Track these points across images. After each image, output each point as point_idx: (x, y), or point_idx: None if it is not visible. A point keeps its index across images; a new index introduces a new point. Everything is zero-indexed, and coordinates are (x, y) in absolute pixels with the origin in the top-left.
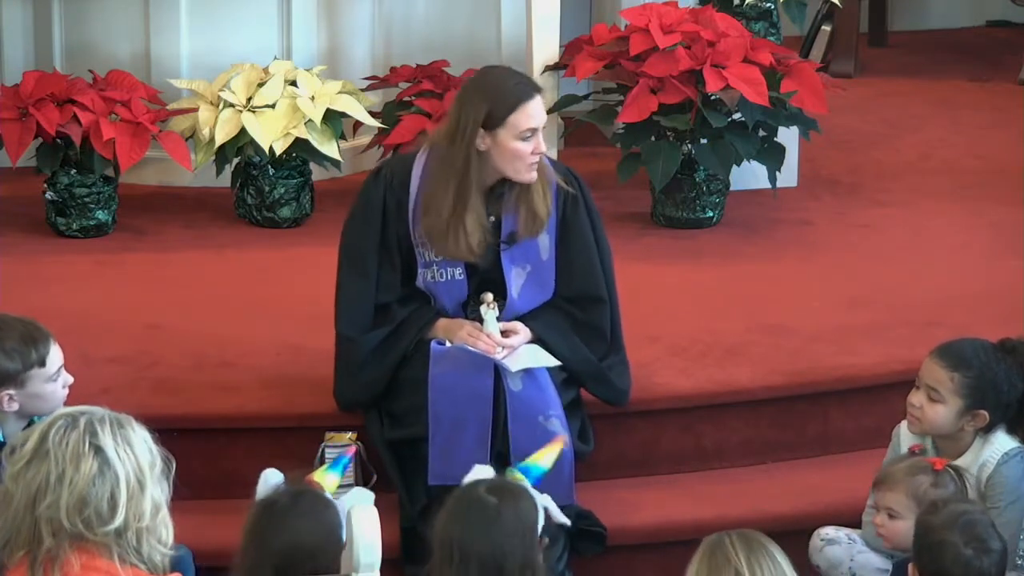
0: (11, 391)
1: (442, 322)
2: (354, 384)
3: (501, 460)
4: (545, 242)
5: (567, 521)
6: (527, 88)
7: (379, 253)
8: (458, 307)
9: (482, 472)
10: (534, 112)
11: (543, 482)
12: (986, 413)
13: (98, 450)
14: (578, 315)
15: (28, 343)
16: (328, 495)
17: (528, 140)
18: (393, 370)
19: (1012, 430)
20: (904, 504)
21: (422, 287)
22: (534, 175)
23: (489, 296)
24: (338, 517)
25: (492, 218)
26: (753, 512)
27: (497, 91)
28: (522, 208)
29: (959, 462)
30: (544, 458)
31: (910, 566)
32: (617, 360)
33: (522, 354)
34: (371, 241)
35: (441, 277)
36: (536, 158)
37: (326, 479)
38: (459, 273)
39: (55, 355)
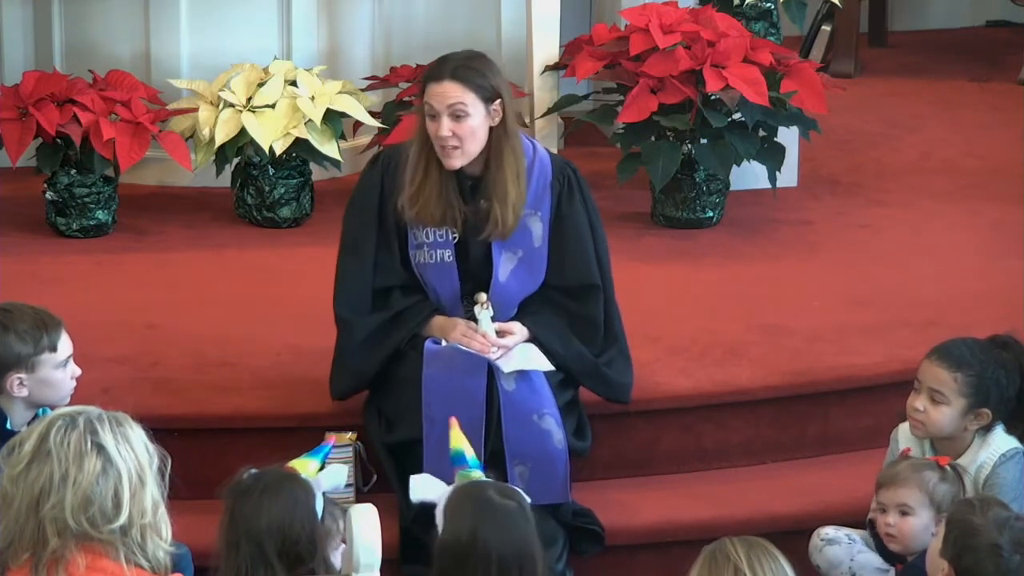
0: (21, 375)
1: (437, 320)
2: (344, 369)
3: (495, 459)
4: (538, 230)
5: (527, 500)
6: (446, 71)
7: (377, 236)
8: (454, 297)
9: (427, 482)
10: (435, 93)
11: (541, 483)
12: (989, 411)
13: (100, 448)
14: (572, 307)
15: (40, 328)
16: (304, 476)
17: (433, 119)
18: (385, 361)
19: (1010, 427)
20: (917, 499)
21: (416, 273)
22: (450, 162)
23: (483, 296)
24: (304, 492)
25: (484, 202)
26: (753, 512)
27: (431, 66)
28: (492, 207)
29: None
30: (466, 447)
31: (943, 562)
32: (615, 353)
33: (515, 355)
34: (369, 224)
35: (431, 259)
36: (442, 144)
37: (307, 465)
38: (448, 255)
39: (65, 342)
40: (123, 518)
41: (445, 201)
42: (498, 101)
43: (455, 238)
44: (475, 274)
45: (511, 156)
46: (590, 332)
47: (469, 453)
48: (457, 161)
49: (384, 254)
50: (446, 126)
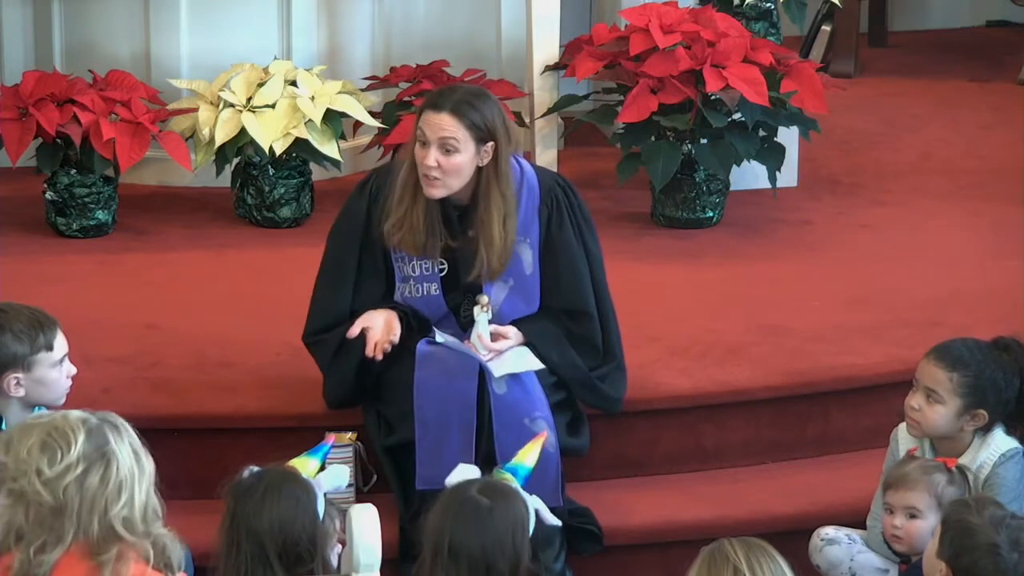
0: (18, 374)
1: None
2: (328, 379)
3: (489, 463)
4: (528, 257)
5: (558, 523)
6: (446, 103)
7: (359, 264)
8: (444, 320)
9: (466, 471)
10: (431, 121)
11: (531, 484)
12: (985, 412)
13: (140, 449)
14: (570, 326)
15: (36, 327)
16: (305, 476)
17: (423, 146)
18: (357, 365)
19: (1010, 428)
20: (926, 502)
21: (400, 302)
22: (429, 191)
23: (485, 298)
24: (305, 492)
25: (471, 233)
26: (753, 512)
27: (435, 92)
28: (478, 247)
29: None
30: (528, 456)
31: (940, 563)
32: (612, 367)
33: (507, 358)
34: (350, 254)
35: (417, 293)
36: (425, 172)
37: (306, 464)
38: (434, 288)
39: (61, 341)
40: (162, 513)
41: (428, 230)
42: (490, 144)
43: (442, 271)
44: (464, 301)
45: (499, 199)
46: (586, 351)
47: (519, 460)
48: (437, 192)
49: (367, 280)
50: (433, 156)
